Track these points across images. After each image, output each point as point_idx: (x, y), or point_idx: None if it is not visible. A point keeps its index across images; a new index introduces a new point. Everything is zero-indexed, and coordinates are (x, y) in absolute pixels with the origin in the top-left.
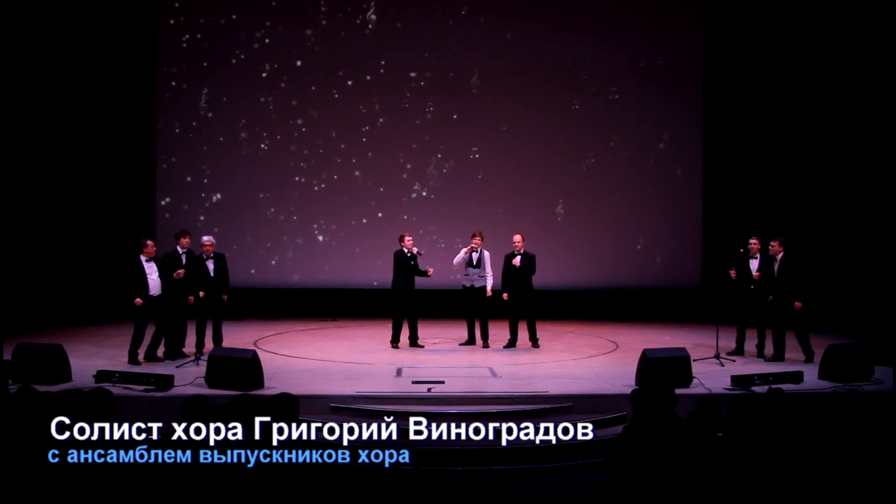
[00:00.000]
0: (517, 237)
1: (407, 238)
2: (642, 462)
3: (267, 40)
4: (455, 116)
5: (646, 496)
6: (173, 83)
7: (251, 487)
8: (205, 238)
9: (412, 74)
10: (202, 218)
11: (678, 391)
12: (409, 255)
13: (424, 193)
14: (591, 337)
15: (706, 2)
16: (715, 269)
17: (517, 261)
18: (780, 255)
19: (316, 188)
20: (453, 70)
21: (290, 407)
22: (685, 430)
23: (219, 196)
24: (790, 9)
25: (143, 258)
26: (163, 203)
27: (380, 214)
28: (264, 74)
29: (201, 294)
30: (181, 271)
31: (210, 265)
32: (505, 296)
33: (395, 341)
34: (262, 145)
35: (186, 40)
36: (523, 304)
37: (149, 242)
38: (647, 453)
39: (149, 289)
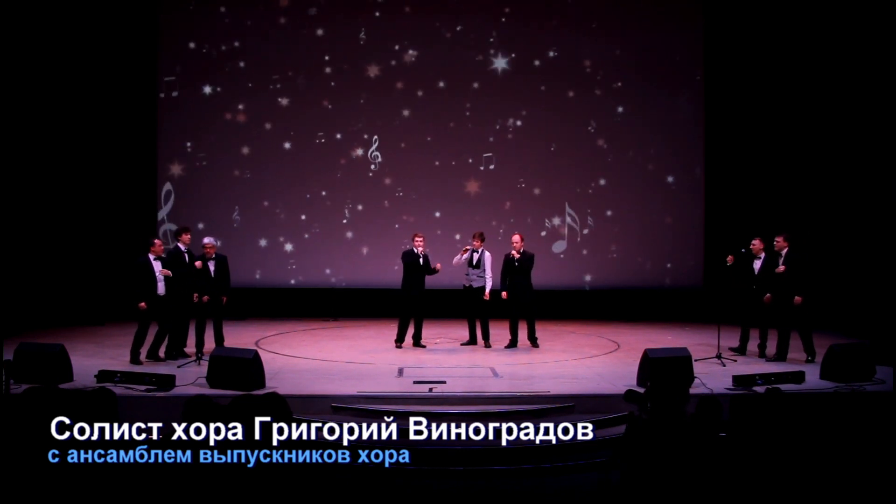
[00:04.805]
0: (516, 237)
1: (417, 238)
2: (646, 463)
3: (269, 40)
4: (457, 116)
5: (648, 497)
6: (175, 82)
7: (251, 487)
8: (205, 240)
9: (414, 73)
10: (204, 217)
11: None
12: (417, 255)
13: (425, 193)
14: (593, 337)
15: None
16: (717, 269)
17: (516, 259)
18: (785, 250)
19: (319, 188)
20: (455, 69)
21: (278, 407)
22: (688, 431)
23: (221, 196)
24: (792, 7)
25: (151, 256)
26: (164, 203)
27: (383, 215)
28: (266, 74)
29: (204, 298)
30: (199, 263)
31: (211, 266)
32: (504, 294)
33: (399, 341)
34: (265, 145)
35: (188, 40)
36: (524, 306)
37: (157, 241)
38: (651, 454)
39: (157, 288)
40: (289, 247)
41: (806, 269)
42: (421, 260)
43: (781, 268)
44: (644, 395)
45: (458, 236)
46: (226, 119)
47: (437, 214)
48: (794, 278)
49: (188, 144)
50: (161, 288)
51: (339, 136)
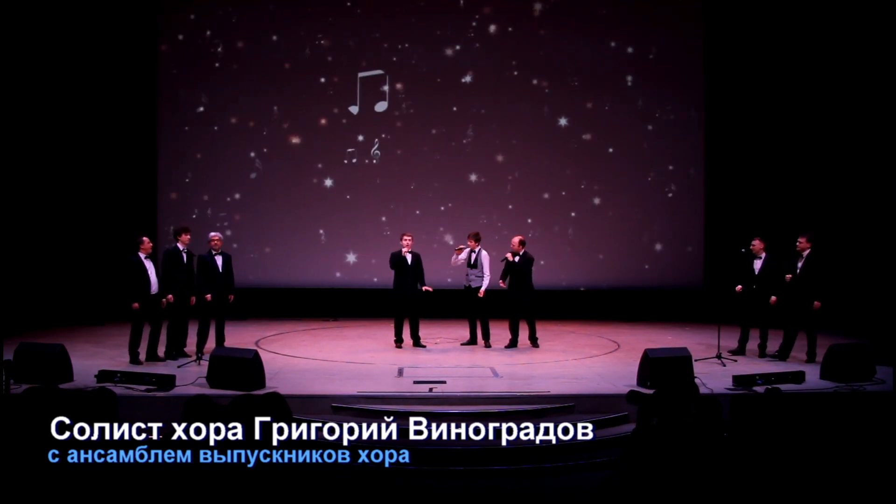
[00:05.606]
0: (514, 240)
1: (405, 238)
2: (650, 463)
3: (269, 39)
4: (455, 116)
5: (649, 497)
6: (175, 81)
7: (251, 487)
8: (212, 234)
9: (413, 73)
10: (204, 217)
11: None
12: (402, 255)
13: (425, 194)
14: (593, 337)
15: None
16: (717, 269)
17: (516, 259)
18: (807, 252)
19: (319, 187)
20: (453, 68)
21: (278, 407)
22: (690, 431)
23: (221, 195)
24: (792, 6)
25: (142, 255)
26: (165, 202)
27: (383, 216)
28: (267, 74)
29: (208, 298)
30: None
31: (218, 261)
32: (502, 283)
33: (398, 341)
34: (265, 145)
35: (188, 38)
36: (524, 306)
37: (144, 239)
38: (656, 454)
39: (150, 287)
40: (289, 246)
41: (827, 272)
42: (409, 259)
43: (788, 276)
44: (652, 400)
45: (451, 239)
46: (226, 119)
47: (434, 214)
48: (814, 281)
49: (189, 142)
50: (154, 287)
51: (341, 135)
